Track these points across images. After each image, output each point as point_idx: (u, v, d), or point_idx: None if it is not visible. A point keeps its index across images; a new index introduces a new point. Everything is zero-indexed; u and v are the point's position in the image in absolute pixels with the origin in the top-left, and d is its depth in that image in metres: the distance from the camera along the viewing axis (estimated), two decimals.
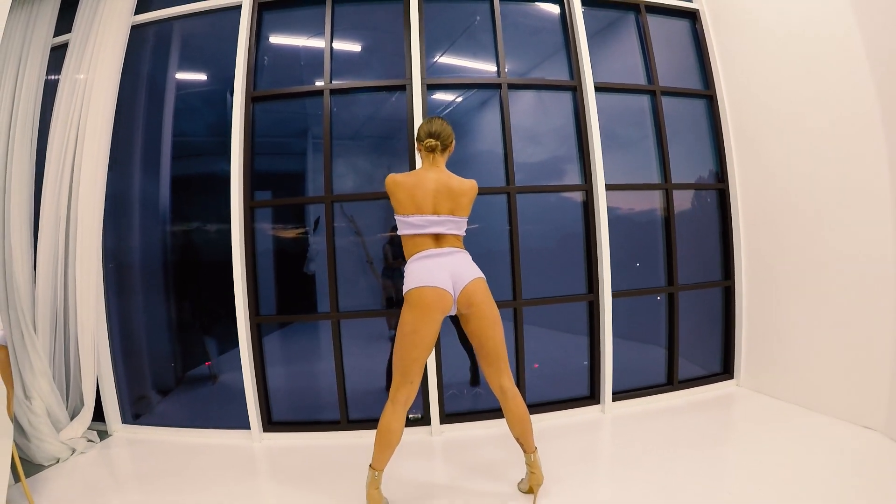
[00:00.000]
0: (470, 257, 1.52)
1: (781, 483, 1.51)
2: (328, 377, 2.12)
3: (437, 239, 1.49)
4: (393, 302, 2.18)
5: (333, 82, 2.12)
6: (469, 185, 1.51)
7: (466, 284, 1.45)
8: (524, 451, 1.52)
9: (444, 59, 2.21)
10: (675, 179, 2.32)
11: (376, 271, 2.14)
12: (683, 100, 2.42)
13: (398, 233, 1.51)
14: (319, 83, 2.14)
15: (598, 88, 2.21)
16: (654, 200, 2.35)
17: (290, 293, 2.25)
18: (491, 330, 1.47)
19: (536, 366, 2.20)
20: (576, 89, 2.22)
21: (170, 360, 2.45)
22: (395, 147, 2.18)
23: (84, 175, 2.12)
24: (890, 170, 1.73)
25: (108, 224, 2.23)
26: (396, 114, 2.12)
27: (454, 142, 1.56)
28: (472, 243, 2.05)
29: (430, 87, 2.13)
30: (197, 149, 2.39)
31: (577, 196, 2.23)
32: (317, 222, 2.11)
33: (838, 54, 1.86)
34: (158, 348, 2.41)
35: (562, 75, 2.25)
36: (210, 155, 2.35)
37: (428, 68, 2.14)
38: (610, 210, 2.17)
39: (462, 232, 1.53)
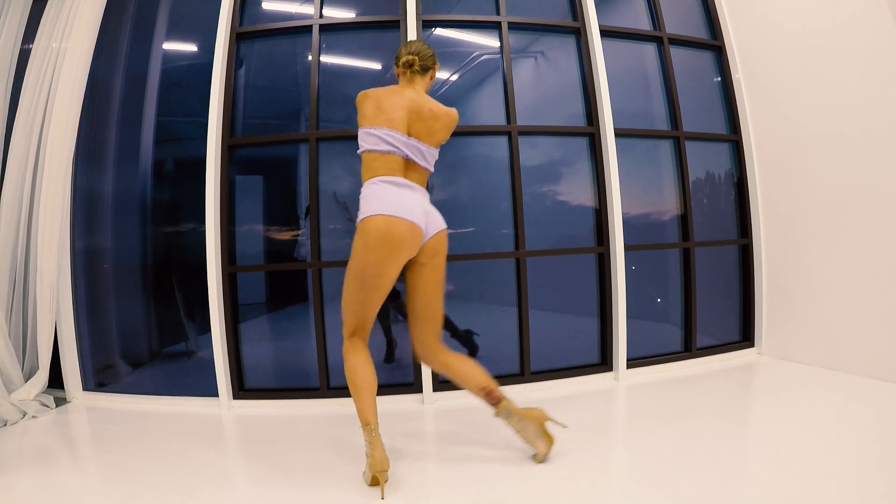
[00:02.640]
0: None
1: (817, 449, 1.28)
2: (308, 346, 1.90)
3: (407, 167, 1.26)
4: None
5: (324, 16, 1.99)
6: (446, 111, 1.31)
7: (439, 231, 1.28)
8: (495, 405, 1.26)
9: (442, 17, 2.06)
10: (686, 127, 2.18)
11: (350, 213, 1.94)
12: (692, 53, 2.30)
13: (359, 151, 1.29)
14: (308, 21, 2.00)
15: (604, 33, 2.08)
16: (665, 156, 2.20)
17: (283, 280, 2.08)
18: (441, 288, 1.30)
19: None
20: (580, 32, 2.09)
21: (144, 332, 2.23)
22: None
23: (55, 117, 1.98)
24: None
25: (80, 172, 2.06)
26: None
27: (437, 67, 1.40)
28: (469, 196, 1.86)
29: (426, 24, 2.00)
30: (178, 115, 2.22)
31: (583, 145, 2.07)
32: (307, 211, 1.94)
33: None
34: (132, 317, 2.20)
35: (567, 52, 2.10)
36: (191, 119, 2.18)
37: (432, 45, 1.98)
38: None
39: (431, 168, 1.32)
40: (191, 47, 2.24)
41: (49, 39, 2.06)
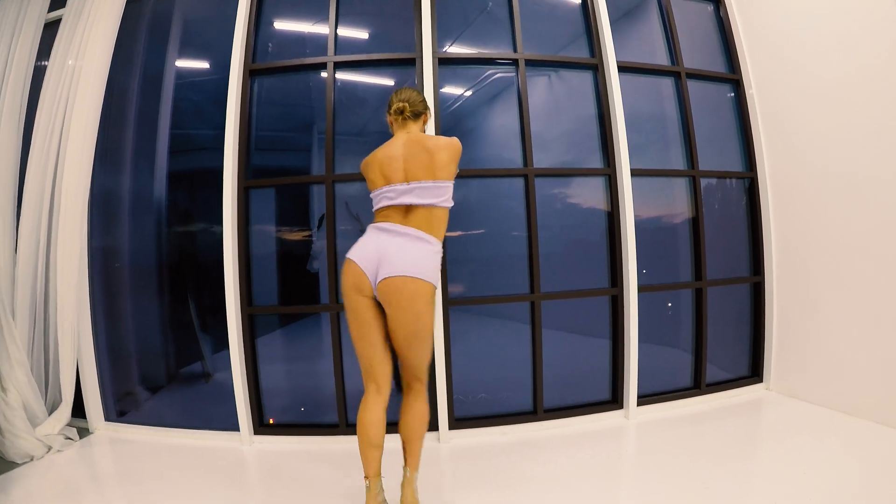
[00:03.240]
0: (429, 249, 1.24)
1: (822, 497, 1.33)
2: (325, 378, 1.94)
3: (407, 212, 1.27)
4: None
5: (338, 55, 1.97)
6: (447, 141, 1.29)
7: (390, 277, 1.20)
8: (404, 466, 1.29)
9: (456, 48, 2.04)
10: (701, 164, 2.17)
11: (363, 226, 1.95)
12: (708, 85, 2.27)
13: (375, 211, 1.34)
14: (323, 57, 1.98)
15: (622, 68, 2.06)
16: (680, 191, 2.19)
17: (293, 292, 2.08)
18: (410, 337, 1.23)
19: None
20: (597, 68, 2.07)
21: (161, 356, 2.27)
22: None
23: (69, 159, 2.00)
24: None
25: (96, 216, 2.10)
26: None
27: (429, 112, 1.42)
28: (484, 234, 1.88)
29: (441, 62, 1.97)
30: (194, 142, 2.23)
31: (599, 183, 2.07)
32: (321, 221, 1.95)
33: (876, 28, 1.72)
34: (148, 343, 2.24)
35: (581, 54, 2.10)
36: (210, 150, 2.19)
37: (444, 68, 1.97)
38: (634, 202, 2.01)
39: (439, 200, 1.26)
40: (203, 64, 2.24)
41: (65, 56, 2.06)
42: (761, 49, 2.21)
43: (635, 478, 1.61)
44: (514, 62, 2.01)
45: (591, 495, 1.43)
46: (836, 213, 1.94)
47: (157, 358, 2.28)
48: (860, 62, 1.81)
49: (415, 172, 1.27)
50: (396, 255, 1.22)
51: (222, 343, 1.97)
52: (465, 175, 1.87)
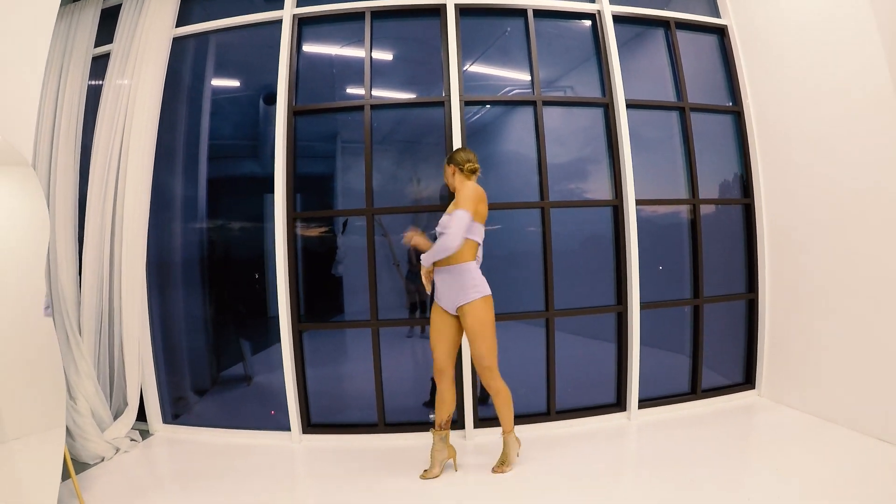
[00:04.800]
0: None
1: (805, 500, 1.54)
2: (362, 380, 2.20)
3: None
4: (416, 307, 2.25)
5: (373, 97, 2.19)
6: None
7: None
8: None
9: (477, 68, 2.27)
10: (701, 190, 2.38)
11: (402, 273, 2.21)
12: (711, 115, 2.47)
13: (469, 236, 1.67)
14: (360, 95, 2.19)
15: (630, 105, 2.26)
16: (682, 213, 2.41)
17: (320, 294, 2.31)
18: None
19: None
20: (608, 106, 2.27)
21: (206, 361, 2.52)
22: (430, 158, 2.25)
23: (129, 179, 2.18)
24: None
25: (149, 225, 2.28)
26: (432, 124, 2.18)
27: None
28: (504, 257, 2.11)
29: (467, 104, 2.19)
30: (231, 151, 2.45)
31: (608, 211, 2.29)
32: (345, 225, 2.17)
33: (865, 72, 1.90)
34: (196, 349, 2.48)
35: (591, 84, 2.31)
36: (244, 158, 2.42)
37: (464, 82, 2.19)
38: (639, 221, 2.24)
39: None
40: (234, 83, 2.46)
41: (121, 76, 2.23)
42: (761, 82, 2.39)
43: (637, 470, 1.89)
44: (533, 103, 2.22)
45: (595, 478, 1.72)
46: (825, 237, 2.13)
47: (203, 362, 2.51)
48: (848, 102, 1.99)
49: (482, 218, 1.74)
50: None
51: (259, 345, 2.22)
52: (493, 208, 2.11)
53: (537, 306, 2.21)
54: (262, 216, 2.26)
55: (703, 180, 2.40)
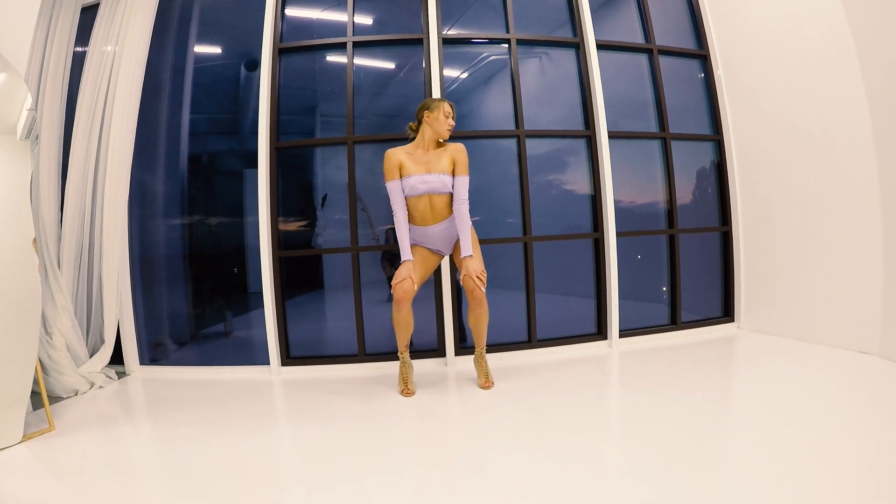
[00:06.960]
0: None
1: (784, 405, 1.52)
2: (342, 327, 2.20)
3: None
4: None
5: (355, 36, 2.29)
6: None
7: None
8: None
9: (457, 30, 2.37)
10: (672, 126, 2.46)
11: (370, 217, 2.25)
12: (679, 61, 2.60)
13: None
14: (342, 38, 2.30)
15: (600, 46, 2.38)
16: (654, 148, 2.49)
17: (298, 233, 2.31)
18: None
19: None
20: (578, 46, 2.39)
21: (186, 314, 2.50)
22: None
23: (116, 115, 2.17)
24: (870, 112, 1.87)
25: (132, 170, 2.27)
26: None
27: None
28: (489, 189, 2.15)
29: (446, 41, 2.29)
30: (213, 112, 2.48)
31: (582, 143, 2.37)
32: (324, 199, 2.23)
33: (821, 11, 2.03)
34: (176, 298, 2.46)
35: (565, 31, 2.41)
36: (226, 116, 2.45)
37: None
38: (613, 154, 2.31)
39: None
40: (216, 49, 2.50)
41: (105, 42, 2.21)
42: (726, 27, 2.52)
43: (620, 385, 1.89)
44: (507, 41, 2.33)
45: (580, 399, 1.69)
46: (792, 167, 2.22)
47: (182, 318, 2.47)
48: (805, 43, 2.11)
49: None
50: None
51: (241, 310, 2.21)
52: (468, 136, 2.18)
53: (516, 233, 2.25)
54: (242, 168, 2.28)
55: (674, 118, 2.50)
